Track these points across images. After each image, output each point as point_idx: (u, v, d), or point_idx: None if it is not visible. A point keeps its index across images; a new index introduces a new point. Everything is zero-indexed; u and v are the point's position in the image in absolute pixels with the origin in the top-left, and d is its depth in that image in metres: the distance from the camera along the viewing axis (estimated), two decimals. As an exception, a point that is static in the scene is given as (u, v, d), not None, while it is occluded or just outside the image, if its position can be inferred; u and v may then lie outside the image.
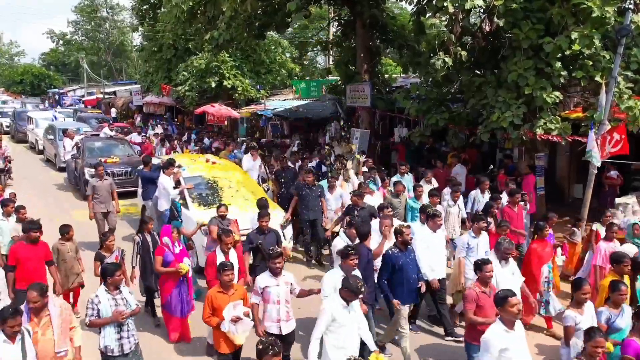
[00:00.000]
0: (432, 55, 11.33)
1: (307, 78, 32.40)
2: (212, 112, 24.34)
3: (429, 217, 7.82)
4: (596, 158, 9.54)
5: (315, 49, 28.64)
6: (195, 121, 29.66)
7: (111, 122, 29.37)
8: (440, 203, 9.74)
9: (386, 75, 19.31)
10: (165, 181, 10.71)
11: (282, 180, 12.35)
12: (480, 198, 10.47)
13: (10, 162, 17.39)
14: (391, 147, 17.55)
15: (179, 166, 11.31)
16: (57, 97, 53.11)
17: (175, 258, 7.51)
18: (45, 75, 64.14)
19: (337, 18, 17.90)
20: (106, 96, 44.24)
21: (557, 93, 10.48)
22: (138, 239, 8.00)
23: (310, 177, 10.95)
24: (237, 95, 25.82)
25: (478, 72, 12.31)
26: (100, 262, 7.35)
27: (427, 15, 10.92)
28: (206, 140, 20.14)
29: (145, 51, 30.22)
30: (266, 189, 12.59)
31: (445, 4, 10.44)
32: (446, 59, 10.77)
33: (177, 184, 10.78)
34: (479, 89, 11.90)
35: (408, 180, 11.82)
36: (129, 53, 64.28)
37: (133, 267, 7.86)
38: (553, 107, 10.87)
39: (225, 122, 25.87)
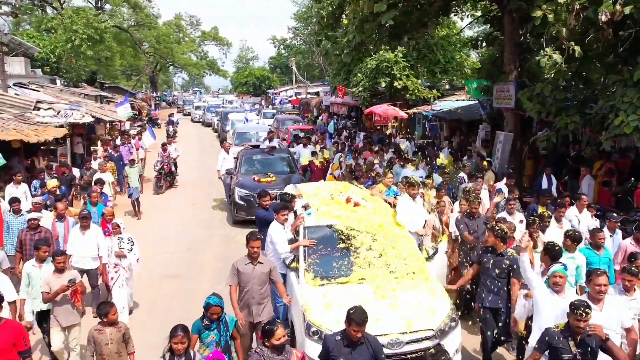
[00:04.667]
0: (539, 51, 10.10)
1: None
2: (378, 113, 24.54)
3: None
4: None
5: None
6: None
7: (302, 123, 31.21)
8: None
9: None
10: (275, 232, 7.26)
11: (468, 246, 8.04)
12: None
13: (176, 167, 17.97)
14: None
15: (306, 207, 7.82)
16: (271, 97, 58.95)
17: None
18: (265, 77, 71.69)
19: (486, 13, 16.76)
20: (308, 96, 47.65)
21: (697, 94, 8.51)
22: None
23: (491, 235, 6.76)
24: (408, 95, 25.70)
25: (618, 69, 10.58)
26: None
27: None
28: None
29: (328, 54, 31.88)
30: (431, 253, 7.76)
31: (553, -7, 9.24)
32: (554, 56, 9.50)
33: (297, 234, 7.43)
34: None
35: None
36: (337, 56, 68.06)
37: None
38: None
39: (390, 123, 25.89)
